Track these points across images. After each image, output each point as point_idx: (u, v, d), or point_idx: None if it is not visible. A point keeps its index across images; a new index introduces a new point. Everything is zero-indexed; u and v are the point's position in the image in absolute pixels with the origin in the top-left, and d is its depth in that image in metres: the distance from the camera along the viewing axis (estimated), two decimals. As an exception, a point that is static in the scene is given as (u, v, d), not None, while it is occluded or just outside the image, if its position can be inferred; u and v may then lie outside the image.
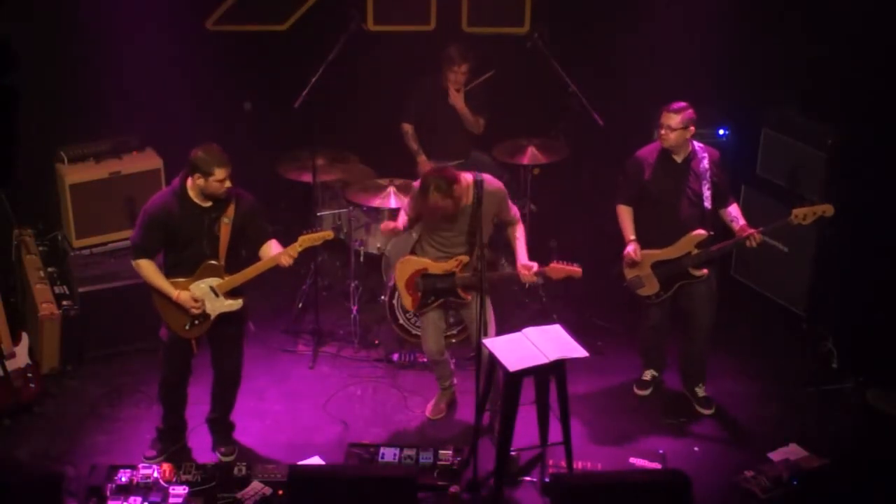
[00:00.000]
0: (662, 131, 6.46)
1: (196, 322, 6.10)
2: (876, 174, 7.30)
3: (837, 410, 6.98)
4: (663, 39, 8.16)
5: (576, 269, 6.20)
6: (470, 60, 7.71)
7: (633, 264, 6.66)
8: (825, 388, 7.15)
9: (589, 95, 7.64)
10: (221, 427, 6.54)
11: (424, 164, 7.95)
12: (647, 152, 6.65)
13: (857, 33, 7.39)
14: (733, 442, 6.71)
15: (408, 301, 6.54)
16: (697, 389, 6.96)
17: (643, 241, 6.65)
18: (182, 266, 6.04)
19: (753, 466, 6.35)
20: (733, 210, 6.66)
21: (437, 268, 6.35)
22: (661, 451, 6.54)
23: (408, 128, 7.99)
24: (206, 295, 6.05)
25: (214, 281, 6.04)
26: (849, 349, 7.34)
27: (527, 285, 7.92)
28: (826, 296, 7.59)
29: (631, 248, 6.62)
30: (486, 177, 6.28)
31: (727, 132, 8.12)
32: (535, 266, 6.25)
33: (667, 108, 6.47)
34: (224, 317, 6.15)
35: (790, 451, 6.51)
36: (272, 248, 6.07)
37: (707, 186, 6.51)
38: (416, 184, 6.37)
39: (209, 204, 5.97)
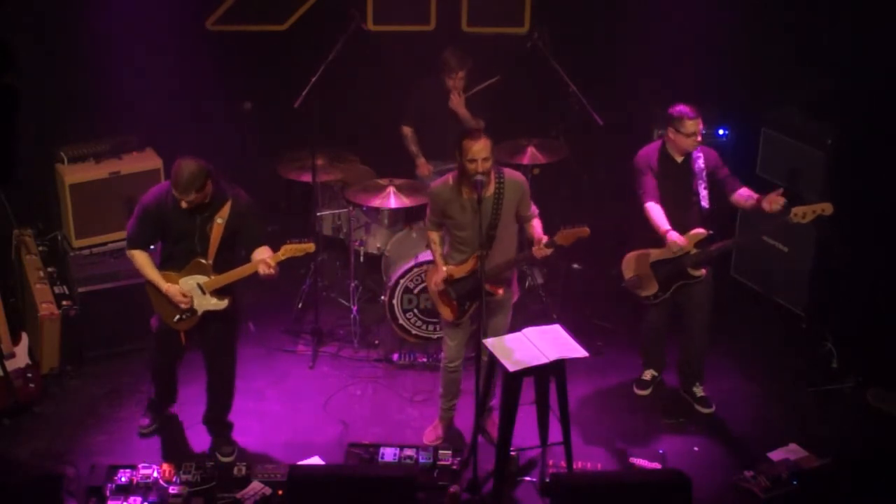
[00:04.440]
0: (699, 137, 6.44)
1: (184, 315, 6.15)
2: (875, 174, 7.30)
3: (837, 410, 6.98)
4: (663, 39, 8.16)
5: (584, 230, 6.03)
6: (467, 66, 7.71)
7: (682, 250, 6.52)
8: (825, 388, 7.16)
9: (589, 95, 7.63)
10: (219, 428, 6.55)
11: (423, 166, 7.95)
12: (649, 153, 6.64)
13: (856, 33, 7.39)
14: (733, 442, 6.71)
15: (446, 312, 6.40)
16: (696, 389, 6.97)
17: (643, 242, 6.64)
18: (174, 259, 6.13)
19: (753, 466, 6.35)
20: (745, 191, 6.59)
21: (460, 271, 6.29)
22: (661, 451, 6.55)
23: (407, 130, 7.99)
24: (194, 291, 6.11)
25: (202, 278, 6.09)
26: (849, 349, 7.34)
27: (527, 283, 7.97)
28: (826, 295, 7.59)
29: (676, 237, 6.44)
30: (508, 170, 6.23)
31: (727, 132, 8.12)
32: (544, 238, 6.17)
33: (694, 115, 6.39)
34: (213, 315, 6.19)
35: (790, 451, 6.51)
36: (262, 254, 6.07)
37: (704, 186, 6.51)
38: (434, 183, 6.35)
39: None
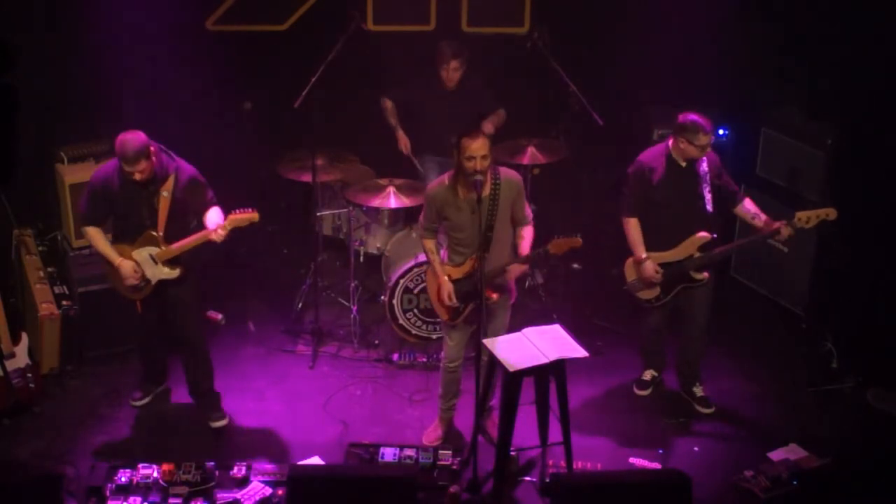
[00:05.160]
0: (710, 149, 6.45)
1: (139, 286, 6.39)
2: (875, 174, 7.30)
3: (837, 410, 6.98)
4: (664, 39, 8.16)
5: (576, 241, 6.03)
6: (462, 55, 7.70)
7: (652, 284, 6.63)
8: (825, 388, 7.15)
9: (589, 95, 7.63)
10: (206, 399, 6.69)
11: (402, 139, 7.95)
12: (652, 157, 6.60)
13: (856, 33, 7.39)
14: (733, 442, 6.70)
15: (442, 313, 6.41)
16: (695, 389, 6.97)
17: (646, 244, 6.63)
18: (126, 234, 6.36)
19: (753, 466, 6.35)
20: (750, 206, 6.61)
21: (458, 272, 6.27)
22: (661, 451, 6.54)
23: (388, 104, 7.98)
24: (146, 262, 6.32)
25: (153, 249, 6.30)
26: (849, 349, 7.34)
27: (527, 283, 7.97)
28: (826, 295, 7.59)
29: (651, 269, 6.57)
30: (504, 169, 6.23)
31: (727, 132, 8.12)
32: (525, 254, 6.14)
33: (710, 129, 6.37)
34: (168, 283, 6.39)
35: (790, 451, 6.51)
36: (212, 215, 6.30)
37: (707, 189, 6.50)
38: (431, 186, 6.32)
39: None
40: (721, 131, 8.07)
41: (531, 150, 7.76)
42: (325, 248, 7.97)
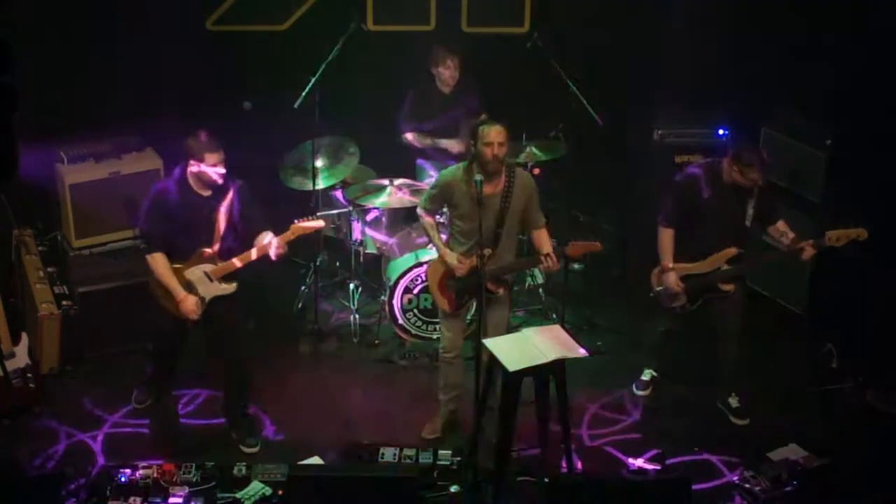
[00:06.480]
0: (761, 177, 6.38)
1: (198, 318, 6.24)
2: (875, 174, 7.30)
3: (837, 410, 6.98)
4: (663, 39, 8.17)
5: (595, 245, 6.09)
6: (458, 55, 7.72)
7: (675, 295, 6.63)
8: (825, 388, 7.15)
9: (589, 95, 7.63)
10: (244, 421, 6.60)
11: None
12: (704, 173, 6.53)
13: (856, 33, 7.39)
14: (733, 442, 6.70)
15: (443, 303, 6.43)
16: (731, 400, 6.87)
17: (678, 253, 6.61)
18: (179, 252, 6.20)
19: (753, 466, 6.35)
20: (782, 226, 6.60)
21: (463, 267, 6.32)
22: (661, 451, 6.54)
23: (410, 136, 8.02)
24: (201, 280, 6.21)
25: (208, 266, 6.20)
26: (849, 349, 7.34)
27: (527, 283, 7.97)
28: (826, 296, 7.58)
29: (673, 280, 6.57)
30: (520, 170, 6.29)
31: (727, 132, 8.11)
32: (552, 246, 6.18)
33: (761, 168, 6.31)
34: (220, 302, 6.26)
35: (790, 451, 6.50)
36: (266, 239, 6.19)
37: (751, 205, 6.48)
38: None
39: (208, 193, 6.13)
40: (721, 131, 8.07)
41: (531, 149, 7.76)
42: (325, 248, 7.97)
